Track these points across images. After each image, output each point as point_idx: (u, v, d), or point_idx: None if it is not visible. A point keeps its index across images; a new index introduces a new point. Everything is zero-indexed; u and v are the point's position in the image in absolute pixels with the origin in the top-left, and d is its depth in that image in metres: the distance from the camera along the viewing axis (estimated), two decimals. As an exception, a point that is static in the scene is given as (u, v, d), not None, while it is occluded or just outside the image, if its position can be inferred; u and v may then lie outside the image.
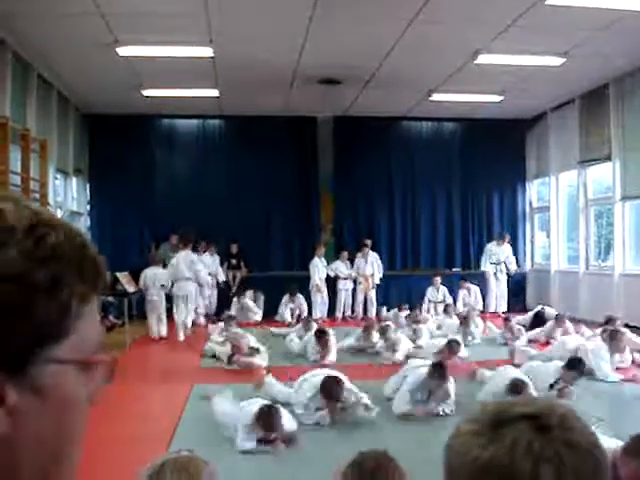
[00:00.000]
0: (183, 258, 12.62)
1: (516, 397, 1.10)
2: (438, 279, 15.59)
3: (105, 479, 4.99)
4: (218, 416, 6.40)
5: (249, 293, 15.00)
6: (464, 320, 12.08)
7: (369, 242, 15.81)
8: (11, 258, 0.68)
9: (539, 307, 13.92)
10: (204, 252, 15.39)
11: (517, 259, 17.24)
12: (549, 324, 11.96)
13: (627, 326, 11.05)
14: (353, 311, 15.57)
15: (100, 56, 11.10)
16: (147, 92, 13.61)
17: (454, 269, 16.97)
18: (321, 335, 10.11)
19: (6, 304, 0.67)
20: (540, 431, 0.94)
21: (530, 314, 13.74)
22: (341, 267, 15.58)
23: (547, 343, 11.14)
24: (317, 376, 7.10)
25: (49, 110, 12.87)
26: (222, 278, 15.22)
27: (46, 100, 12.65)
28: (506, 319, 12.15)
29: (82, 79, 12.72)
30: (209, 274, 14.19)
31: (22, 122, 11.06)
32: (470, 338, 11.60)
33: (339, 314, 15.48)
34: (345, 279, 15.55)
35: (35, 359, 0.69)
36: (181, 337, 12.24)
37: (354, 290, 15.66)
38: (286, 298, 14.82)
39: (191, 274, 12.61)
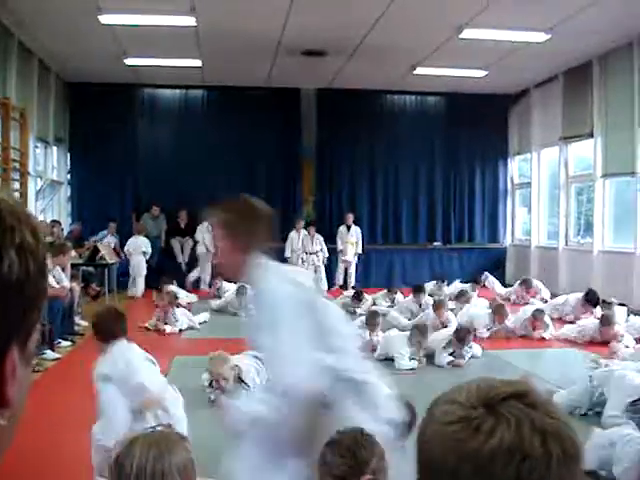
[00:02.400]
0: None
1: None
2: None
3: (81, 454, 5.00)
4: None
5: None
6: (497, 308, 10.17)
7: (351, 216, 15.80)
8: (29, 239, 0.74)
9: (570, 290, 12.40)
10: (186, 223, 15.46)
11: (498, 234, 17.40)
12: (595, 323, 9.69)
13: (604, 302, 11.16)
14: None
15: (82, 24, 10.94)
16: (129, 61, 13.46)
17: (435, 243, 17.05)
18: None
19: (30, 281, 0.73)
20: (533, 408, 0.94)
21: (574, 297, 11.53)
22: (295, 239, 15.33)
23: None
24: None
25: (30, 78, 12.70)
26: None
27: (27, 68, 12.48)
28: (538, 311, 10.19)
29: (64, 47, 12.55)
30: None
31: (2, 90, 10.94)
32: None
33: None
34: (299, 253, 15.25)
35: (34, 331, 0.77)
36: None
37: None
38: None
39: None
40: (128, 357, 4.33)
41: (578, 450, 0.94)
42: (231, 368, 6.19)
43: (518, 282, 13.80)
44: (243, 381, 6.22)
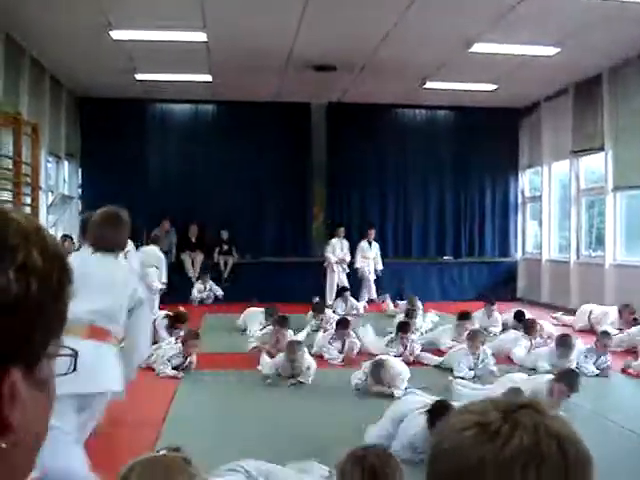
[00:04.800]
0: None
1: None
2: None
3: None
4: None
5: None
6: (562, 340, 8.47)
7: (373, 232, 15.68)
8: (35, 259, 0.72)
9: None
10: (196, 237, 15.52)
11: (508, 248, 17.32)
12: None
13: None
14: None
15: (93, 39, 11.02)
16: (140, 76, 13.54)
17: (445, 257, 17.01)
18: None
19: (34, 302, 0.71)
20: (545, 416, 0.97)
21: None
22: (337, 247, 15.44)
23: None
24: None
25: (41, 93, 12.79)
26: None
27: (38, 83, 12.57)
28: (604, 334, 8.81)
29: (75, 62, 12.64)
30: None
31: (14, 105, 11.00)
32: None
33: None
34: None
35: (45, 354, 0.75)
36: None
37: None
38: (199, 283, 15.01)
39: None
40: None
41: (590, 454, 0.97)
42: None
43: (616, 308, 11.55)
44: None
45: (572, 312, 12.80)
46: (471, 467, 0.94)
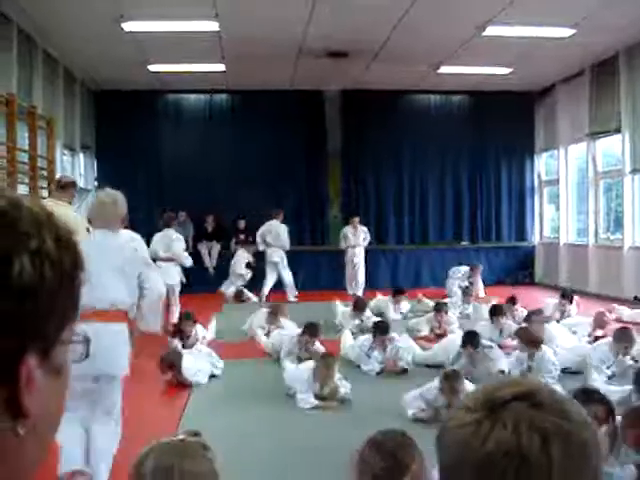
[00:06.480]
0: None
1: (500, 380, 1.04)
2: None
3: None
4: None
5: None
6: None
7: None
8: (49, 245, 0.72)
9: None
10: (213, 228, 15.53)
11: (525, 232, 17.24)
12: None
13: (636, 299, 10.95)
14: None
15: (106, 32, 11.04)
16: (153, 67, 13.56)
17: (462, 242, 16.95)
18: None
19: (48, 287, 0.71)
20: (537, 408, 0.91)
21: None
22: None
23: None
24: None
25: (55, 87, 12.82)
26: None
27: (52, 77, 12.60)
28: None
29: (88, 55, 12.67)
30: None
31: (28, 99, 11.03)
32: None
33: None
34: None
35: (59, 341, 0.75)
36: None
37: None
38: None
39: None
40: None
41: (586, 450, 0.91)
42: None
43: None
44: None
45: (592, 296, 12.73)
46: (458, 465, 0.92)
